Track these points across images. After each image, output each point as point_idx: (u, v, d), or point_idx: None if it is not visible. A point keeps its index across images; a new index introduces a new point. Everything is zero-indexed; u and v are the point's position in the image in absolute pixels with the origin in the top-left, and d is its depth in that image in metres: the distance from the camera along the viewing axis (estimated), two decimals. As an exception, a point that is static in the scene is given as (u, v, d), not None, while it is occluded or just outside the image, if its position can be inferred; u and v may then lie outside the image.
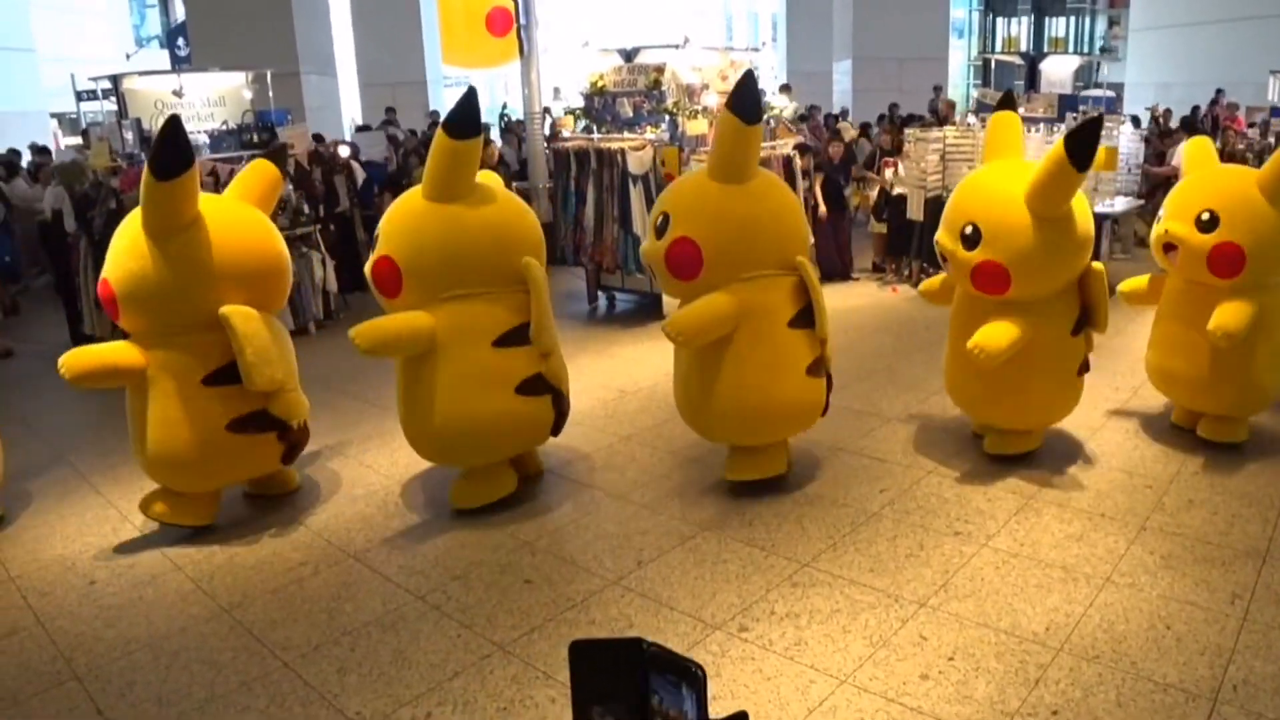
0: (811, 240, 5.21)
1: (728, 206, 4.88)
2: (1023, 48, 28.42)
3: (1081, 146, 4.67)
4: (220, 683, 3.72)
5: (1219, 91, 17.86)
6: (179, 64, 20.27)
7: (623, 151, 8.93)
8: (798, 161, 9.97)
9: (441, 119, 4.76)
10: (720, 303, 4.83)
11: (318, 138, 12.29)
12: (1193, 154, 5.75)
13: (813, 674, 3.61)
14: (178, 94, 11.82)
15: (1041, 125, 11.33)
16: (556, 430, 5.23)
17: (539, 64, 9.72)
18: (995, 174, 5.27)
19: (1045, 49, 28.16)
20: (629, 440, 6.13)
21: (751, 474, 5.24)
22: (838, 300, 9.45)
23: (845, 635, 3.88)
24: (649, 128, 9.67)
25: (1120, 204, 9.89)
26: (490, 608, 4.19)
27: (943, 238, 5.28)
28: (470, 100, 4.78)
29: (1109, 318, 5.31)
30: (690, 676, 1.06)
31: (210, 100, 12.15)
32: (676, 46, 9.82)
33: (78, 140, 15.24)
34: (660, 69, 9.56)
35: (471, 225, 4.83)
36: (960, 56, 26.00)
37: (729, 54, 10.55)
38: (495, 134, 15.05)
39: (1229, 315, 5.04)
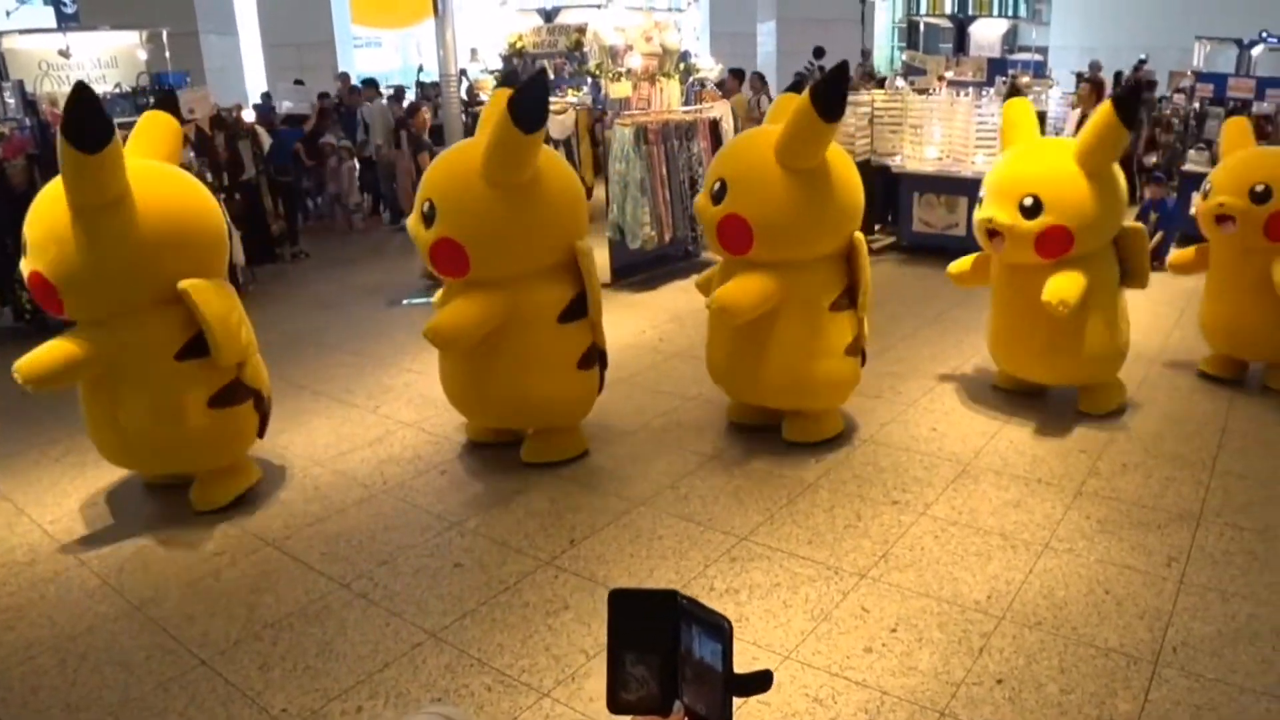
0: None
1: (788, 196, 4.96)
2: (948, 9, 28.73)
3: (1129, 108, 5.19)
4: (134, 685, 3.58)
5: (1141, 58, 18.30)
6: (65, 22, 19.36)
7: (544, 115, 8.79)
8: (725, 124, 9.95)
9: (512, 111, 4.53)
10: (766, 286, 5.01)
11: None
12: (1230, 136, 6.22)
13: (755, 650, 3.62)
14: (64, 54, 11.32)
15: (971, 89, 11.50)
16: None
17: (454, 23, 9.47)
18: (1038, 150, 5.67)
19: (971, 11, 28.52)
20: (559, 415, 6.08)
21: (810, 437, 5.50)
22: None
23: (786, 610, 3.90)
24: (570, 90, 9.54)
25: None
26: (420, 593, 4.12)
27: (998, 214, 5.40)
28: (541, 89, 4.68)
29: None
30: (719, 630, 1.11)
31: (101, 61, 11.67)
32: (599, 6, 9.71)
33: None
34: (582, 29, 9.44)
35: (535, 207, 4.83)
36: (884, 18, 26.15)
37: (652, 14, 10.46)
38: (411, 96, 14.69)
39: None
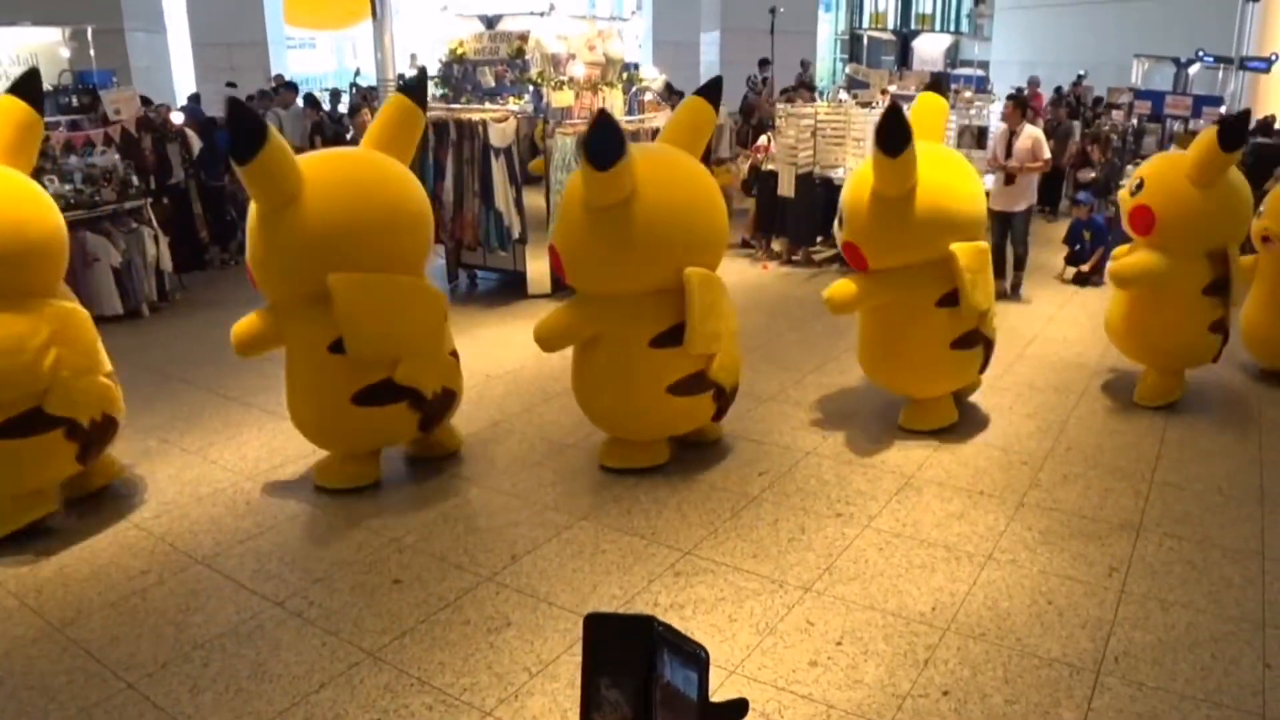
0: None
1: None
2: (890, 23, 29.29)
3: (1233, 135, 5.78)
4: (55, 711, 3.49)
5: (1080, 74, 18.82)
6: (-19, 17, 18.92)
7: (484, 123, 8.80)
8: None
9: (587, 154, 4.77)
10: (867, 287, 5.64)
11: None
12: None
13: (701, 666, 3.64)
14: (-20, 51, 11.06)
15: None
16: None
17: (393, 27, 9.46)
18: (1173, 157, 6.56)
19: (914, 26, 29.11)
20: (496, 427, 6.07)
21: (924, 425, 5.91)
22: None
23: (732, 624, 3.94)
24: (512, 98, 9.55)
25: (989, 181, 10.29)
26: (357, 611, 4.08)
27: (1123, 192, 6.40)
28: (611, 130, 4.76)
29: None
30: (695, 658, 1.13)
31: (20, 58, 11.45)
32: (541, 14, 9.73)
33: None
34: (524, 37, 9.46)
35: (624, 232, 4.94)
36: (828, 29, 26.58)
37: (595, 23, 10.52)
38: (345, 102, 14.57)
39: None
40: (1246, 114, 6.32)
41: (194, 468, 5.52)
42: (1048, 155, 9.26)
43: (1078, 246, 9.98)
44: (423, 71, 5.46)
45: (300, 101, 13.31)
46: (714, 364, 5.18)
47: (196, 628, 3.98)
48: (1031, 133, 9.13)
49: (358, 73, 17.80)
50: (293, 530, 4.81)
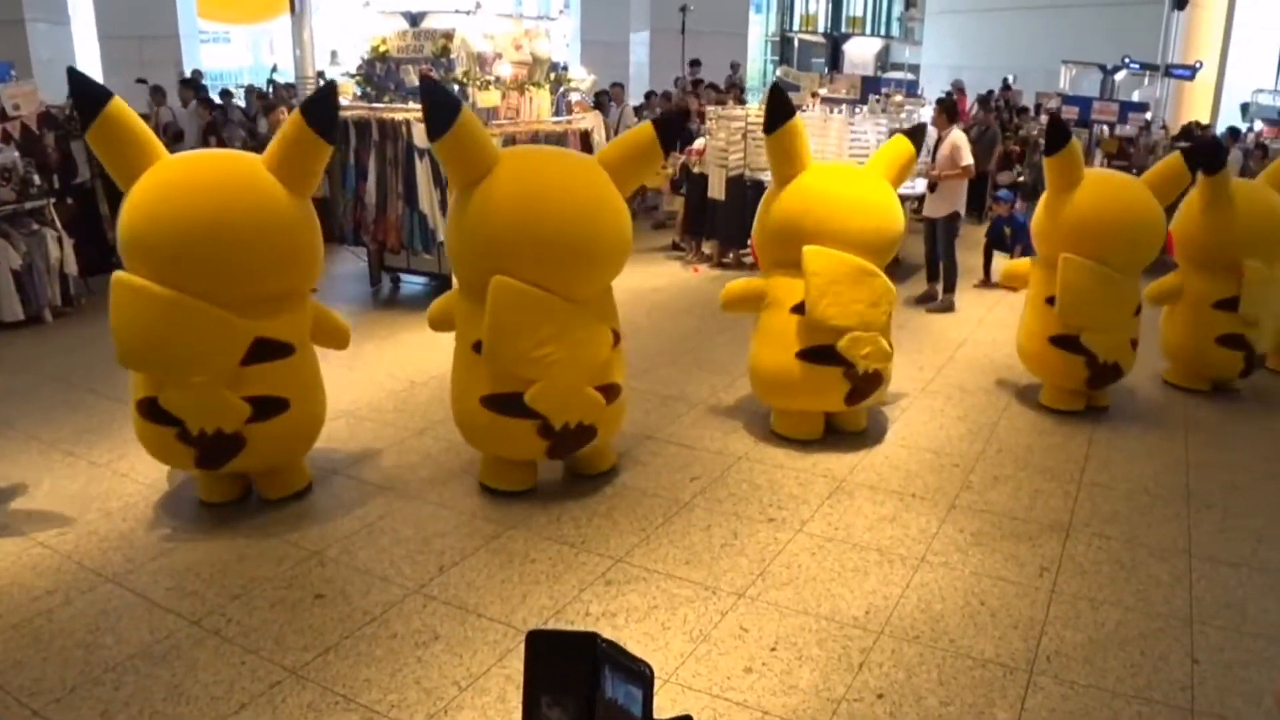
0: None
1: None
2: (821, 25, 29.69)
3: (1202, 159, 6.37)
4: (-49, 735, 3.38)
5: (1007, 79, 19.29)
6: None
7: (408, 123, 8.72)
8: (596, 135, 10.03)
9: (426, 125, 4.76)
10: None
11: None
12: None
13: (634, 675, 3.64)
14: None
15: (844, 106, 11.87)
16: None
17: (312, 22, 9.31)
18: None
19: (845, 29, 29.54)
20: (422, 435, 6.00)
21: (787, 431, 5.93)
22: (638, 281, 9.61)
23: (665, 632, 3.94)
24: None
25: (920, 185, 10.49)
26: (278, 628, 3.99)
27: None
28: (439, 95, 4.76)
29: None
30: (639, 676, 1.14)
31: (-90, 52, 11.00)
32: (467, 12, 9.65)
33: None
34: (449, 35, 9.37)
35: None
36: (758, 31, 26.85)
37: (522, 22, 10.47)
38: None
39: None
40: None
41: (103, 481, 5.36)
42: (967, 161, 9.22)
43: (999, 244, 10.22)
44: (330, 86, 5.12)
45: (216, 98, 13.07)
46: (532, 390, 4.72)
47: (107, 649, 3.86)
48: (953, 139, 9.27)
49: (274, 69, 17.48)
50: (209, 545, 4.69)
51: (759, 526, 4.84)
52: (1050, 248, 6.18)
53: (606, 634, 3.86)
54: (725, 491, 5.23)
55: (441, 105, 4.65)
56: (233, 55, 21.52)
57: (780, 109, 5.54)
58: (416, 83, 9.38)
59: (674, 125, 5.37)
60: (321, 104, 4.80)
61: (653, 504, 5.07)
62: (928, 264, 9.59)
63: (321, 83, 11.48)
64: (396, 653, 3.82)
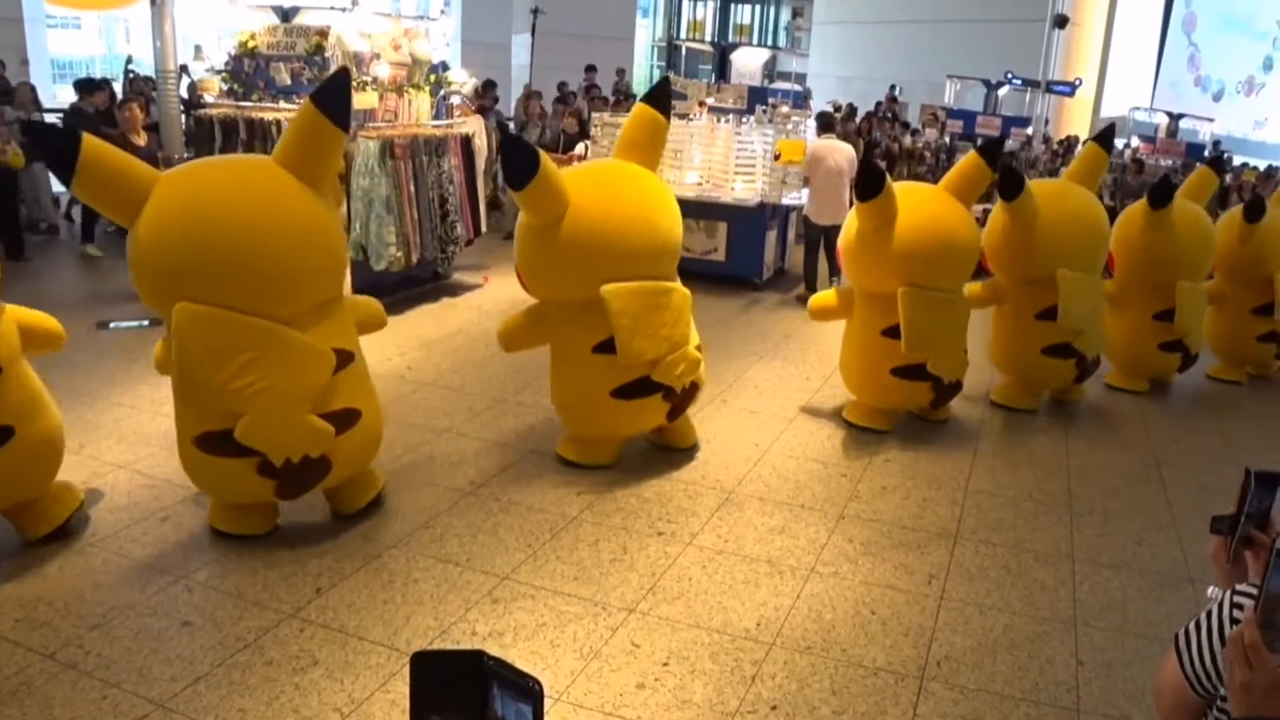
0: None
1: None
2: (708, 33, 30.21)
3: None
4: None
5: (892, 87, 19.97)
6: None
7: (278, 123, 8.57)
8: (478, 140, 10.02)
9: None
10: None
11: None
12: None
13: (522, 694, 3.65)
14: None
15: (731, 115, 12.10)
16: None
17: (173, 13, 9.04)
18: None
19: (731, 36, 30.09)
20: (298, 452, 5.89)
21: (579, 457, 5.89)
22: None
23: (554, 650, 3.96)
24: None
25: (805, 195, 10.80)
26: (142, 659, 3.87)
27: None
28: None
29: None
30: (528, 692, 1.15)
31: None
32: (343, 9, 9.54)
33: None
34: (324, 33, 9.24)
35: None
36: (645, 36, 27.16)
37: (401, 21, 10.41)
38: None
39: None
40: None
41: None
42: (807, 172, 10.13)
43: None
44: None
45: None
46: (241, 424, 4.36)
47: (-53, 684, 3.69)
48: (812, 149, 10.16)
49: (130, 60, 16.90)
50: (63, 573, 4.50)
51: (648, 540, 4.90)
52: (877, 281, 6.21)
53: (494, 653, 3.88)
54: (613, 505, 5.28)
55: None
56: (83, 43, 20.68)
57: (522, 161, 5.01)
58: (289, 81, 9.24)
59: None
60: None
61: (539, 519, 5.09)
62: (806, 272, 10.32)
63: (185, 78, 11.23)
64: (273, 680, 3.75)
